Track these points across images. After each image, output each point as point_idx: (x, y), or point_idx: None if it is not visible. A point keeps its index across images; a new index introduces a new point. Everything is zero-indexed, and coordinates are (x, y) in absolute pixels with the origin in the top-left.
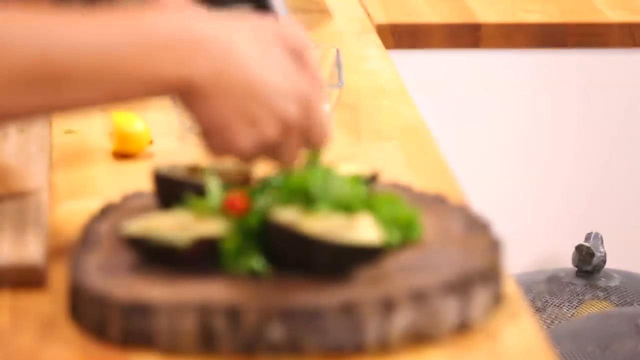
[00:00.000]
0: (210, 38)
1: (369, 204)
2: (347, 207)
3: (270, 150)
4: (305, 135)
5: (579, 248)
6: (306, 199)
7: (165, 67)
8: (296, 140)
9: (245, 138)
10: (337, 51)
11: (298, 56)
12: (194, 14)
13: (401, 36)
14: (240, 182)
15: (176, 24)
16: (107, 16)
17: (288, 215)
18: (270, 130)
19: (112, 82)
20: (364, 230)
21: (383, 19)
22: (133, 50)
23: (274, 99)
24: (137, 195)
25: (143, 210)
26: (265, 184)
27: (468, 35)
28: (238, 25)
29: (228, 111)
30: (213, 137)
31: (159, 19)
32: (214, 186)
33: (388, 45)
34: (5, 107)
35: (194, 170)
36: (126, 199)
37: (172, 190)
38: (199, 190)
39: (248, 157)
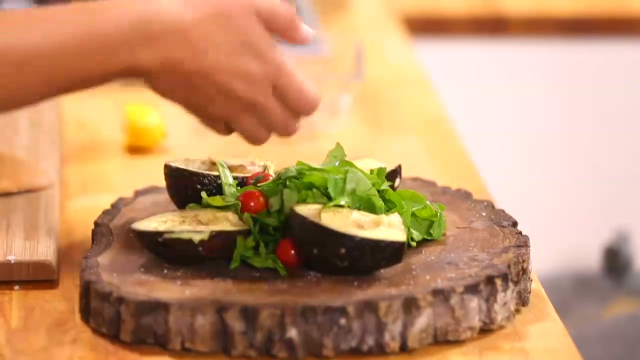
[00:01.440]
0: (167, 22)
1: (391, 200)
2: (367, 203)
3: (260, 118)
4: (285, 99)
5: (605, 247)
6: (325, 195)
7: (115, 56)
8: (275, 103)
9: (219, 105)
10: (358, 43)
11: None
12: None
13: (423, 26)
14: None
15: (134, 7)
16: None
17: (312, 210)
18: (239, 87)
19: (59, 69)
20: (391, 228)
21: (405, 7)
22: (81, 37)
23: (230, 59)
24: (150, 190)
25: (156, 206)
26: (280, 179)
27: (492, 25)
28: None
29: (186, 94)
30: (194, 109)
31: (118, 5)
32: (229, 181)
33: (410, 35)
34: None
35: (209, 164)
36: (139, 194)
37: (185, 185)
38: (213, 185)
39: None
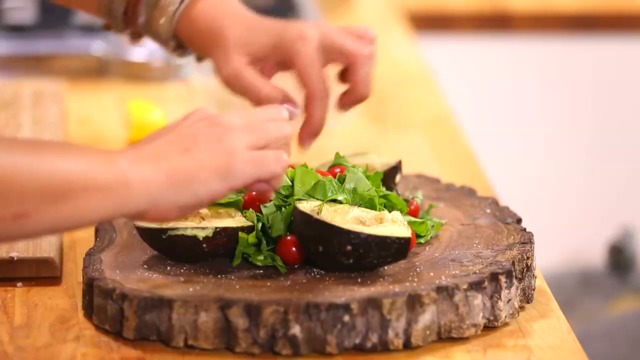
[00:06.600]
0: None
1: (390, 200)
2: (367, 202)
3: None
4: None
5: (610, 244)
6: (323, 193)
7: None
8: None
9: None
10: None
11: None
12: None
13: (428, 22)
14: None
15: (106, 172)
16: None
17: (315, 207)
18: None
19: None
20: (395, 224)
21: (409, 4)
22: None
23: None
24: None
25: None
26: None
27: (497, 21)
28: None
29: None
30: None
31: (92, 163)
32: None
33: (414, 32)
34: None
35: None
36: None
37: None
38: None
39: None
